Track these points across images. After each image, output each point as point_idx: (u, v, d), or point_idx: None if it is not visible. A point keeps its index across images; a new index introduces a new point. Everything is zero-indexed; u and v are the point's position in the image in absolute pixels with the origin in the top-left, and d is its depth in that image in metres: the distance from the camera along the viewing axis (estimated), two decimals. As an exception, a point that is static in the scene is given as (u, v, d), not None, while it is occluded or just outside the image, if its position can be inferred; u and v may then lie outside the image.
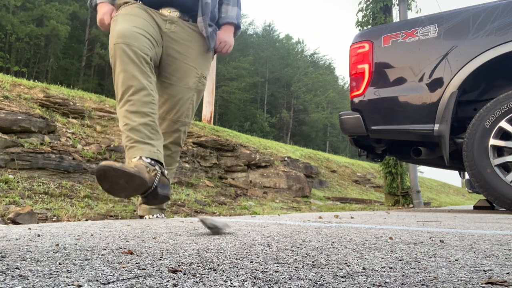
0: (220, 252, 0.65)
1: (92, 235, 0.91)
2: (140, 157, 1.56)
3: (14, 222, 1.84)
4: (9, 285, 0.40)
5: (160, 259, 0.57)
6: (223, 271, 0.49)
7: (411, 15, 6.65)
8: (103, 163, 1.41)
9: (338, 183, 11.17)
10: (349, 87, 3.16)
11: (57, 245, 0.72)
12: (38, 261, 0.55)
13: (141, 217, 1.93)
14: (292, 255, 0.62)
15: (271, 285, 0.42)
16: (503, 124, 2.47)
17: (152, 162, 1.58)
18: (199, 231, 1.03)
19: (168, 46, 1.87)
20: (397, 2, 6.61)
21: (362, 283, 0.43)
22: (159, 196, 1.56)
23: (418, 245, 0.77)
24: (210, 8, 1.89)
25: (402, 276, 0.47)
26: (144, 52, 1.72)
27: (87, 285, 0.41)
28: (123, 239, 0.84)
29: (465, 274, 0.49)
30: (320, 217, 2.00)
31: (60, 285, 0.40)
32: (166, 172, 1.65)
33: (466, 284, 0.43)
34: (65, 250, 0.66)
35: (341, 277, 0.46)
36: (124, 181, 1.40)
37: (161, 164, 1.63)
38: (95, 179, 3.97)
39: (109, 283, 0.42)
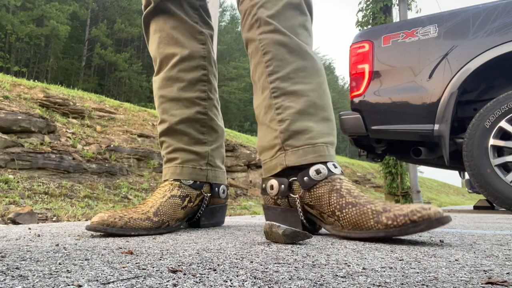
0: (220, 252, 0.65)
1: (92, 235, 0.91)
2: (178, 181, 1.05)
3: (14, 222, 1.84)
4: (9, 285, 0.40)
5: (160, 259, 0.57)
6: (223, 271, 0.49)
7: (411, 15, 6.67)
8: (94, 220, 0.88)
9: (338, 183, 11.15)
10: (349, 87, 3.17)
11: (57, 245, 0.72)
12: (38, 261, 0.55)
13: None
14: (292, 255, 0.62)
15: (271, 285, 0.42)
16: (503, 124, 2.47)
17: (197, 184, 1.07)
18: (199, 231, 1.03)
19: None
20: (397, 2, 6.61)
21: (362, 283, 0.43)
22: (201, 226, 1.11)
23: (418, 245, 0.77)
24: None
25: (402, 276, 0.47)
26: None
27: (87, 285, 0.41)
28: (123, 239, 0.84)
29: (465, 274, 0.49)
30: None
31: (60, 285, 0.40)
32: (223, 189, 1.14)
33: (466, 284, 0.43)
34: (65, 250, 0.66)
35: (341, 277, 0.46)
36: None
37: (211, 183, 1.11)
38: (95, 179, 3.97)
39: (109, 283, 0.42)
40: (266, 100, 0.96)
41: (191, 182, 1.06)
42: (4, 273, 0.46)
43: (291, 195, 0.90)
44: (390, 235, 0.74)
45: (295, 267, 0.52)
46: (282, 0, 0.96)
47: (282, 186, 0.91)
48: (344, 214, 0.80)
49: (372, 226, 0.76)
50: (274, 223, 0.77)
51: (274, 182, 0.93)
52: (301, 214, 0.89)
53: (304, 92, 0.91)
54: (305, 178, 0.87)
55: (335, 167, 0.87)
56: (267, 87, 0.96)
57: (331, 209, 0.82)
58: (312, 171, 0.86)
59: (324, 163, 0.87)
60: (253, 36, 0.99)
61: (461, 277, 0.47)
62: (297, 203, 0.89)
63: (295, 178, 0.89)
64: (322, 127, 0.91)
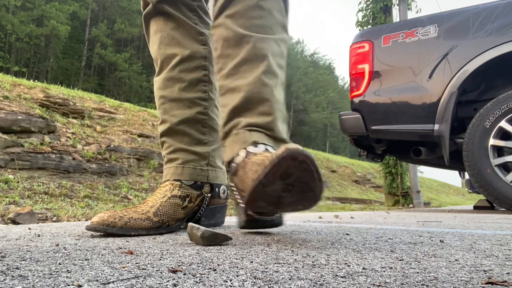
0: (220, 252, 0.65)
1: (92, 235, 0.91)
2: (179, 181, 1.05)
3: (14, 222, 1.84)
4: (9, 285, 0.40)
5: (160, 259, 0.57)
6: (223, 271, 0.49)
7: (411, 15, 6.66)
8: (94, 220, 0.89)
9: (338, 183, 11.18)
10: (349, 87, 3.17)
11: (57, 245, 0.72)
12: (38, 261, 0.55)
13: None
14: (292, 255, 0.62)
15: (271, 285, 0.42)
16: (503, 124, 2.47)
17: (197, 184, 1.07)
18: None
19: None
20: (397, 2, 6.61)
21: (362, 283, 0.43)
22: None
23: (418, 245, 0.77)
24: None
25: (402, 276, 0.47)
26: None
27: (87, 285, 0.41)
28: (123, 239, 0.85)
29: (465, 274, 0.49)
30: (320, 217, 2.00)
31: (60, 285, 0.40)
32: (223, 190, 1.14)
33: (466, 284, 0.43)
34: (65, 250, 0.66)
35: (341, 277, 0.46)
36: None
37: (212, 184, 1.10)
38: (95, 179, 3.97)
39: (109, 283, 0.42)
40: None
41: (192, 182, 1.06)
42: (4, 273, 0.46)
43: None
44: (254, 188, 0.68)
45: (295, 267, 0.52)
46: None
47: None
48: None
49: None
50: (195, 225, 0.75)
51: None
52: (237, 197, 0.85)
53: (241, 87, 0.87)
54: (232, 165, 0.84)
55: (256, 146, 0.81)
56: (218, 85, 0.95)
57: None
58: (235, 158, 0.84)
59: (245, 147, 0.82)
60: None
61: (461, 277, 0.47)
62: (233, 189, 0.86)
63: None
64: (254, 119, 0.85)
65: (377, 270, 0.50)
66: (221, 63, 0.92)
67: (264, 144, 0.82)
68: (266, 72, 0.88)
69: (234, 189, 0.85)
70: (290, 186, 0.69)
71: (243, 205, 0.77)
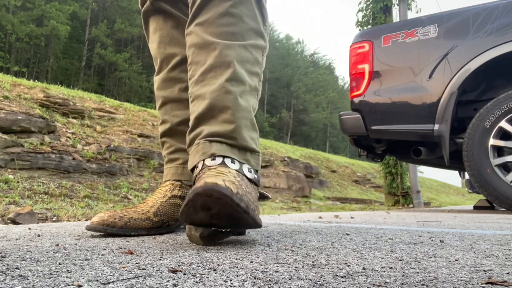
0: (220, 252, 0.65)
1: (92, 235, 0.91)
2: (179, 181, 1.06)
3: (14, 222, 1.84)
4: (9, 285, 0.40)
5: (160, 259, 0.57)
6: (223, 271, 0.49)
7: (411, 15, 6.66)
8: (94, 220, 0.90)
9: (338, 183, 11.19)
10: (349, 87, 3.17)
11: (57, 245, 0.72)
12: (38, 261, 0.55)
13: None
14: (292, 255, 0.62)
15: (271, 285, 0.42)
16: (503, 124, 2.47)
17: None
18: (199, 231, 1.03)
19: None
20: (397, 2, 6.61)
21: (362, 283, 0.43)
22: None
23: (418, 245, 0.77)
24: None
25: (402, 276, 0.47)
26: None
27: (87, 285, 0.41)
28: (123, 239, 0.85)
29: (465, 274, 0.49)
30: (320, 217, 2.00)
31: (60, 285, 0.40)
32: None
33: (466, 284, 0.43)
34: (65, 250, 0.66)
35: (341, 277, 0.46)
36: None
37: None
38: (95, 179, 3.97)
39: (109, 283, 0.42)
40: None
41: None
42: (4, 273, 0.46)
43: None
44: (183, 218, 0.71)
45: (295, 267, 0.52)
46: None
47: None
48: None
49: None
50: (193, 226, 0.74)
51: None
52: None
53: (205, 95, 0.87)
54: (193, 175, 0.86)
55: (213, 159, 0.82)
56: (189, 92, 0.95)
57: None
58: (195, 169, 0.85)
59: (203, 160, 0.83)
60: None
61: (461, 277, 0.47)
62: None
63: None
64: (216, 127, 0.85)
65: (377, 270, 0.50)
66: (191, 70, 0.93)
67: (222, 156, 0.82)
68: (230, 79, 0.87)
69: None
70: (216, 215, 0.70)
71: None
